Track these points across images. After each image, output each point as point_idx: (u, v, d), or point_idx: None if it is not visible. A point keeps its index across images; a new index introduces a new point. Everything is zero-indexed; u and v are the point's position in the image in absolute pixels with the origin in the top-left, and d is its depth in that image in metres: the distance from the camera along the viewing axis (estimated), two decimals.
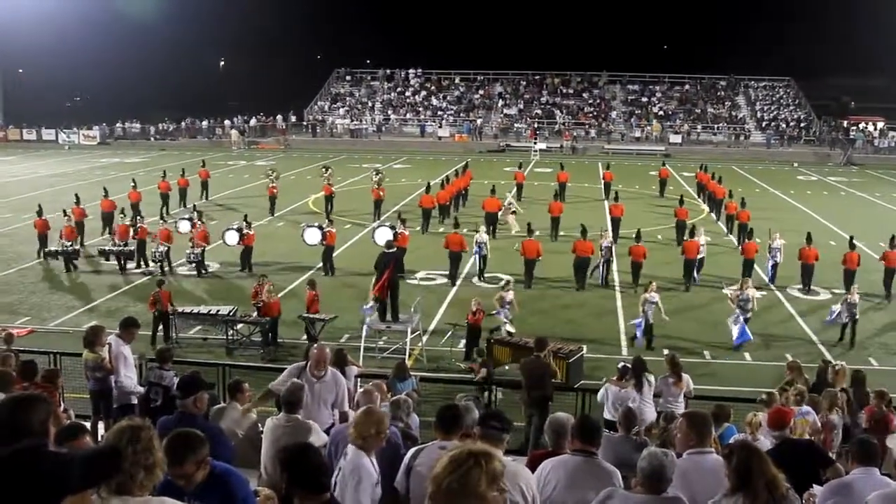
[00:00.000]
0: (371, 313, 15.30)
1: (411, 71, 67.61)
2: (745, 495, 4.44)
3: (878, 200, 35.50)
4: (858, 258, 19.51)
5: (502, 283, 17.37)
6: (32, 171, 41.83)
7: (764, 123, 59.61)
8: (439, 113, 62.49)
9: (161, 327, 15.70)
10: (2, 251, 23.39)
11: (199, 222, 21.63)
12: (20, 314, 17.56)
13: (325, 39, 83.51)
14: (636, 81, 65.58)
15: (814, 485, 5.66)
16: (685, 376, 10.66)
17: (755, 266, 20.50)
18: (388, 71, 68.16)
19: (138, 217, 23.02)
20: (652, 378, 10.60)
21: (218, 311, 16.05)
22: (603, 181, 34.34)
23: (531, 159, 46.66)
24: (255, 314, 15.91)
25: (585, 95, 64.28)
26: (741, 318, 15.89)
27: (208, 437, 4.43)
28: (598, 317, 18.13)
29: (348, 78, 68.71)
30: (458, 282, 20.30)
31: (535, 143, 52.20)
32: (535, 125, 58.63)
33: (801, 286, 20.08)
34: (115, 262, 21.31)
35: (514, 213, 26.79)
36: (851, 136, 56.70)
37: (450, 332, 15.40)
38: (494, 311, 15.89)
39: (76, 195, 24.83)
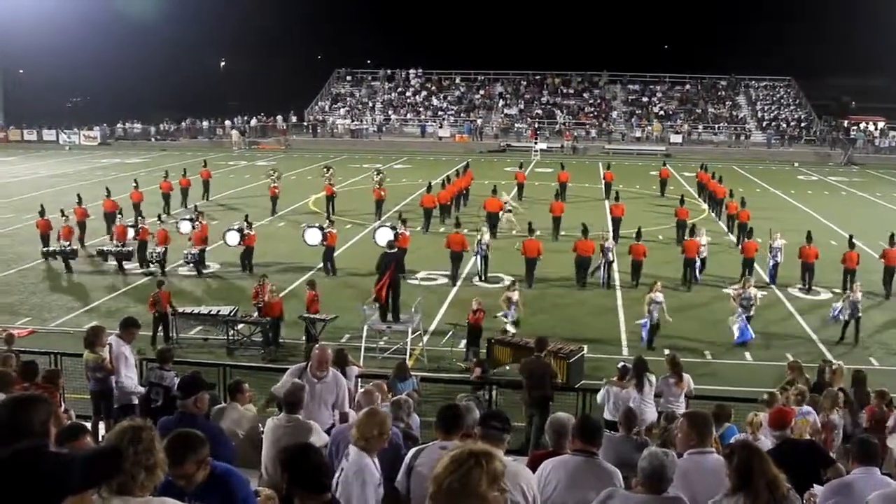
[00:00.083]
0: (371, 313, 15.30)
1: (412, 71, 67.61)
2: (746, 495, 4.44)
3: (878, 200, 35.49)
4: (858, 257, 19.52)
5: (507, 283, 17.34)
6: (33, 172, 41.86)
7: (764, 123, 59.60)
8: (440, 113, 62.49)
9: (161, 328, 15.70)
10: (2, 252, 23.39)
11: (198, 223, 21.62)
12: (21, 315, 17.57)
13: (325, 39, 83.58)
14: (637, 81, 65.56)
15: (814, 485, 5.66)
16: (686, 376, 10.66)
17: (756, 265, 20.50)
18: (388, 71, 68.15)
19: (139, 218, 23.05)
20: (653, 378, 10.59)
21: (218, 311, 16.06)
22: (603, 181, 34.35)
23: (532, 159, 46.66)
24: (255, 314, 15.93)
25: (586, 95, 64.27)
26: (743, 316, 15.90)
27: (209, 438, 4.44)
28: (598, 316, 18.14)
29: (349, 78, 68.71)
30: (459, 282, 20.30)
31: (535, 143, 52.17)
32: (536, 125, 58.62)
33: (801, 285, 20.09)
34: (115, 263, 21.28)
35: (509, 211, 26.75)
36: (852, 136, 56.69)
37: (450, 332, 15.40)
38: (501, 313, 15.90)
39: (78, 195, 24.84)
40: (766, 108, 62.29)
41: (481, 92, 65.35)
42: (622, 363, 11.62)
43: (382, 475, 5.29)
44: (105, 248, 21.68)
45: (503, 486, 2.82)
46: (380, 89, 66.80)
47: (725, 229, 26.92)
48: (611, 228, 23.83)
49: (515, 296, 16.06)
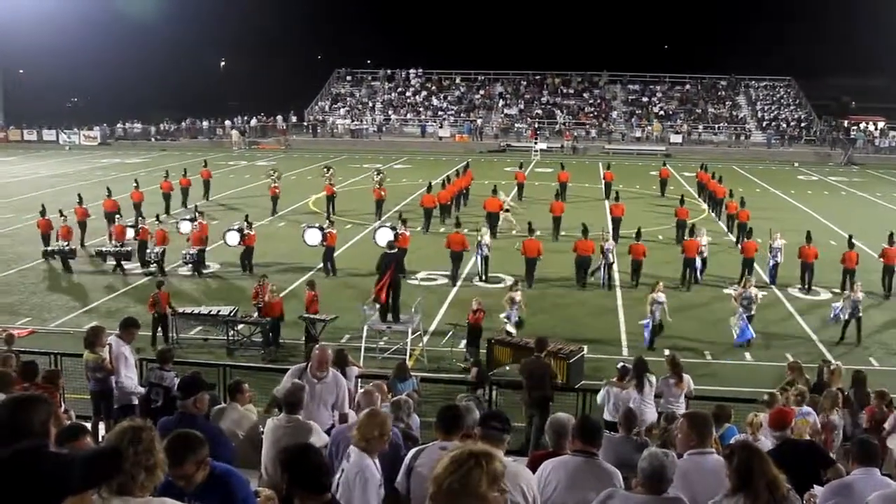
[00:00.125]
0: (372, 313, 15.31)
1: (412, 71, 67.61)
2: (746, 496, 4.44)
3: (878, 200, 35.49)
4: (857, 257, 19.55)
5: (510, 283, 17.32)
6: (33, 172, 41.86)
7: (764, 123, 59.61)
8: (440, 113, 62.49)
9: (161, 329, 15.69)
10: (2, 252, 23.39)
11: (196, 223, 21.60)
12: (21, 315, 17.57)
13: (325, 39, 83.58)
14: (637, 81, 65.57)
15: (814, 485, 5.66)
16: (686, 377, 10.66)
17: (755, 265, 20.51)
18: (388, 71, 68.16)
19: (139, 218, 23.05)
20: (653, 379, 10.59)
21: (218, 311, 16.05)
22: (603, 181, 34.35)
23: (532, 159, 46.68)
24: (255, 315, 15.92)
25: (586, 95, 64.27)
26: (744, 316, 15.90)
27: (209, 438, 4.44)
28: (598, 316, 18.13)
29: (349, 78, 68.72)
30: (459, 282, 20.30)
31: (535, 143, 52.20)
32: (536, 125, 58.63)
33: (801, 285, 20.09)
34: (113, 263, 21.24)
35: (507, 210, 26.73)
36: (852, 136, 56.70)
37: (450, 333, 15.40)
38: (504, 314, 15.88)
39: (79, 195, 24.85)
40: (766, 108, 62.30)
41: (481, 92, 65.36)
42: (622, 363, 11.61)
43: (383, 476, 5.29)
44: (104, 249, 21.66)
45: (503, 487, 2.82)
46: (380, 89, 66.80)
47: (725, 229, 26.93)
48: (611, 229, 23.84)
49: (518, 296, 16.06)
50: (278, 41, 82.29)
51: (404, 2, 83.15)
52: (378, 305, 15.16)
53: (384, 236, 19.57)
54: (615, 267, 20.79)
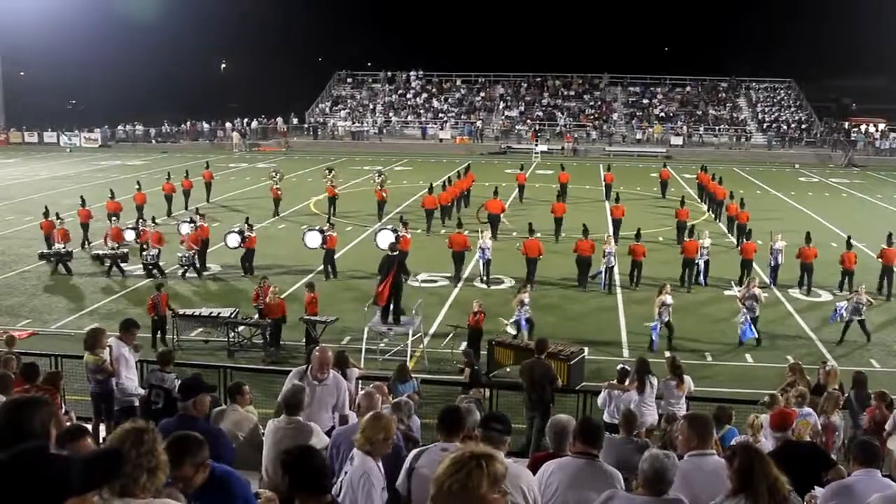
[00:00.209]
0: (375, 315, 15.29)
1: (412, 73, 67.65)
2: (747, 497, 4.44)
3: (879, 202, 35.48)
4: (855, 258, 19.58)
5: (519, 286, 17.27)
6: (34, 174, 41.90)
7: (765, 125, 59.62)
8: (440, 115, 62.52)
9: (159, 332, 15.68)
10: (3, 254, 23.40)
11: (191, 225, 21.59)
12: (21, 317, 17.58)
13: (325, 41, 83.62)
14: (637, 83, 65.59)
15: (815, 486, 5.65)
16: (687, 378, 10.66)
17: (755, 266, 20.51)
18: (389, 73, 68.20)
19: (140, 220, 23.03)
20: (654, 380, 10.58)
21: (219, 313, 16.06)
22: (604, 183, 34.37)
23: (532, 161, 46.69)
24: (255, 317, 15.92)
25: (587, 97, 64.30)
26: (748, 316, 15.90)
27: (210, 440, 4.43)
28: (599, 318, 18.13)
29: (349, 80, 68.76)
30: (461, 283, 20.30)
31: (535, 145, 52.24)
32: (537, 127, 58.65)
33: (801, 286, 20.08)
34: (110, 265, 21.17)
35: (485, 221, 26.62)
36: (853, 138, 56.68)
37: (451, 334, 15.39)
38: (512, 320, 15.84)
39: (81, 197, 24.85)
40: (766, 109, 62.30)
41: (482, 94, 65.39)
42: (621, 365, 11.61)
43: (385, 478, 5.29)
44: (100, 252, 21.63)
45: (504, 488, 2.82)
46: (380, 91, 66.83)
47: (725, 230, 26.94)
48: (611, 230, 23.84)
49: (527, 297, 16.01)
50: (279, 43, 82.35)
51: (405, 4, 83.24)
52: (380, 307, 15.14)
53: (385, 239, 19.57)
54: (616, 270, 20.77)
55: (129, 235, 22.37)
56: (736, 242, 24.27)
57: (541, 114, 61.79)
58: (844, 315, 16.36)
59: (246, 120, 61.30)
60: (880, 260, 19.80)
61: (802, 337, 16.94)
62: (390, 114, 63.87)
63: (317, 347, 8.73)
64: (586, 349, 14.76)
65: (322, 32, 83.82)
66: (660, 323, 15.73)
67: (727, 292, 19.68)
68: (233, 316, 15.95)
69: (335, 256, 21.17)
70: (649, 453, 4.63)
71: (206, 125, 61.06)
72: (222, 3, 75.79)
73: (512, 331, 15.66)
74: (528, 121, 60.61)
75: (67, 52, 66.00)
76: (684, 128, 58.79)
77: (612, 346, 16.23)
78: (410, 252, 20.46)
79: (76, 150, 54.48)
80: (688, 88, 64.81)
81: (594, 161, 49.59)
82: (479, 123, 59.97)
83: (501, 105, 63.69)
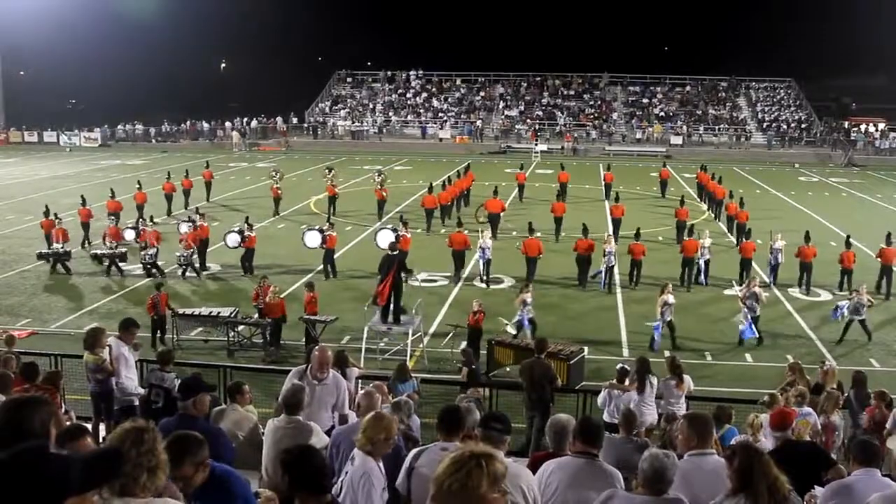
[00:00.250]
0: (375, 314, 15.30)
1: (412, 73, 67.65)
2: (747, 497, 4.44)
3: (879, 202, 35.49)
4: (854, 257, 19.59)
5: (521, 285, 17.26)
6: (33, 174, 41.89)
7: (765, 124, 59.63)
8: (440, 114, 62.53)
9: (158, 331, 15.67)
10: (3, 253, 23.40)
11: (190, 224, 21.57)
12: (21, 316, 17.57)
13: (325, 41, 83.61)
14: (637, 83, 65.60)
15: (815, 486, 5.65)
16: (686, 378, 10.66)
17: (754, 265, 20.52)
18: (388, 73, 68.21)
19: (140, 220, 23.01)
20: (655, 380, 10.58)
21: (219, 312, 16.05)
22: (604, 182, 34.38)
23: (532, 161, 46.69)
24: (255, 316, 15.92)
25: (586, 97, 64.31)
26: (749, 316, 15.90)
27: (209, 439, 4.43)
28: (599, 316, 18.13)
29: (349, 80, 68.77)
30: (460, 283, 20.31)
31: (535, 144, 52.25)
32: (536, 127, 58.65)
33: (800, 285, 20.09)
34: (107, 264, 21.16)
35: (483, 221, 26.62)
36: (852, 138, 56.69)
37: (451, 334, 15.39)
38: (517, 318, 15.83)
39: (82, 196, 24.85)
40: (766, 109, 62.31)
41: (482, 93, 65.39)
42: (621, 365, 11.60)
43: (386, 479, 5.29)
44: (99, 252, 21.62)
45: (504, 488, 2.82)
46: (380, 91, 66.84)
47: (725, 230, 26.95)
48: (611, 229, 23.85)
49: (530, 297, 16.00)
50: (279, 43, 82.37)
51: (404, 3, 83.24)
52: (380, 307, 15.13)
53: (385, 238, 19.56)
54: (616, 270, 20.77)
55: (130, 235, 22.37)
56: (735, 242, 24.29)
57: (540, 113, 61.79)
58: (846, 314, 16.36)
59: (246, 119, 61.31)
60: (879, 259, 19.81)
61: (802, 336, 16.94)
62: (390, 113, 63.87)
63: (316, 347, 8.73)
64: (586, 349, 14.77)
65: (322, 32, 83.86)
66: (662, 322, 15.73)
67: (727, 291, 19.69)
68: (232, 315, 15.94)
69: (335, 256, 21.17)
70: (649, 453, 4.63)
71: (205, 125, 61.06)
72: (222, 3, 75.83)
73: (512, 330, 15.66)
74: (528, 120, 60.62)
75: (67, 51, 66.00)
76: (684, 127, 58.80)
77: (612, 345, 16.23)
78: (410, 251, 20.46)
79: (76, 150, 54.47)
80: (687, 88, 64.83)
81: (594, 160, 49.60)
82: (478, 123, 59.98)
83: (501, 104, 63.70)
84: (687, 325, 17.13)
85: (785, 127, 59.04)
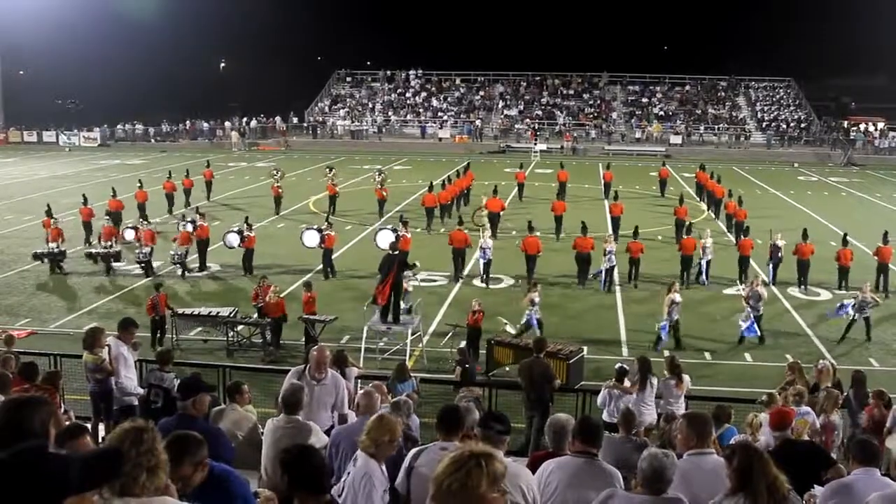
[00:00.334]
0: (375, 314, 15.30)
1: (412, 72, 67.63)
2: (746, 496, 4.44)
3: (878, 201, 35.50)
4: (851, 255, 19.60)
5: (528, 285, 17.24)
6: (33, 173, 41.87)
7: (764, 124, 59.63)
8: (440, 114, 62.51)
9: (158, 332, 15.66)
10: (2, 253, 23.38)
11: (188, 223, 21.55)
12: (20, 316, 17.57)
13: (325, 41, 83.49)
14: (637, 82, 65.58)
15: (814, 485, 5.66)
16: (685, 377, 10.66)
17: (752, 263, 20.53)
18: (388, 72, 68.18)
19: (140, 219, 23.00)
20: (655, 380, 10.58)
21: (218, 312, 16.04)
22: (603, 181, 34.38)
23: (531, 160, 46.69)
24: (255, 316, 15.91)
25: (586, 96, 64.29)
26: (752, 315, 15.90)
27: (209, 439, 4.43)
28: (598, 316, 18.14)
29: (349, 79, 68.75)
30: (460, 283, 20.31)
31: (535, 144, 52.25)
32: (536, 126, 58.64)
33: (797, 283, 20.09)
34: (103, 264, 21.13)
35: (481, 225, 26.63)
36: (852, 137, 56.70)
37: (450, 333, 15.39)
38: (525, 318, 15.82)
39: (83, 195, 24.84)
40: (765, 108, 62.31)
41: (481, 93, 65.38)
42: (620, 364, 11.60)
43: (388, 480, 5.28)
44: (94, 251, 21.59)
45: (503, 488, 2.82)
46: (380, 90, 66.82)
47: (724, 229, 26.96)
48: (610, 228, 23.86)
49: (537, 297, 15.99)
50: (278, 42, 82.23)
51: (404, 4, 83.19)
52: (380, 307, 15.13)
53: (385, 238, 19.55)
54: (615, 269, 20.77)
55: (129, 234, 22.36)
56: (734, 240, 24.30)
57: (540, 113, 61.78)
58: (850, 312, 16.34)
59: (245, 119, 61.29)
60: (876, 258, 19.82)
61: (801, 335, 16.95)
62: (389, 113, 63.85)
63: (314, 347, 8.73)
64: (585, 348, 14.77)
65: (322, 32, 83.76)
66: (669, 321, 15.71)
67: (727, 291, 19.69)
68: (232, 315, 15.93)
69: (333, 256, 21.17)
70: (648, 452, 4.63)
71: (205, 124, 61.02)
72: (222, 3, 75.73)
73: (511, 330, 15.65)
74: (528, 120, 60.60)
75: (67, 51, 65.92)
76: (683, 127, 58.79)
77: (612, 344, 16.24)
78: (410, 251, 20.45)
79: (75, 150, 54.44)
80: (687, 87, 64.81)
81: (593, 160, 49.60)
82: (478, 122, 59.96)
83: (501, 104, 63.68)
84: (687, 324, 17.08)
85: (784, 126, 59.04)
